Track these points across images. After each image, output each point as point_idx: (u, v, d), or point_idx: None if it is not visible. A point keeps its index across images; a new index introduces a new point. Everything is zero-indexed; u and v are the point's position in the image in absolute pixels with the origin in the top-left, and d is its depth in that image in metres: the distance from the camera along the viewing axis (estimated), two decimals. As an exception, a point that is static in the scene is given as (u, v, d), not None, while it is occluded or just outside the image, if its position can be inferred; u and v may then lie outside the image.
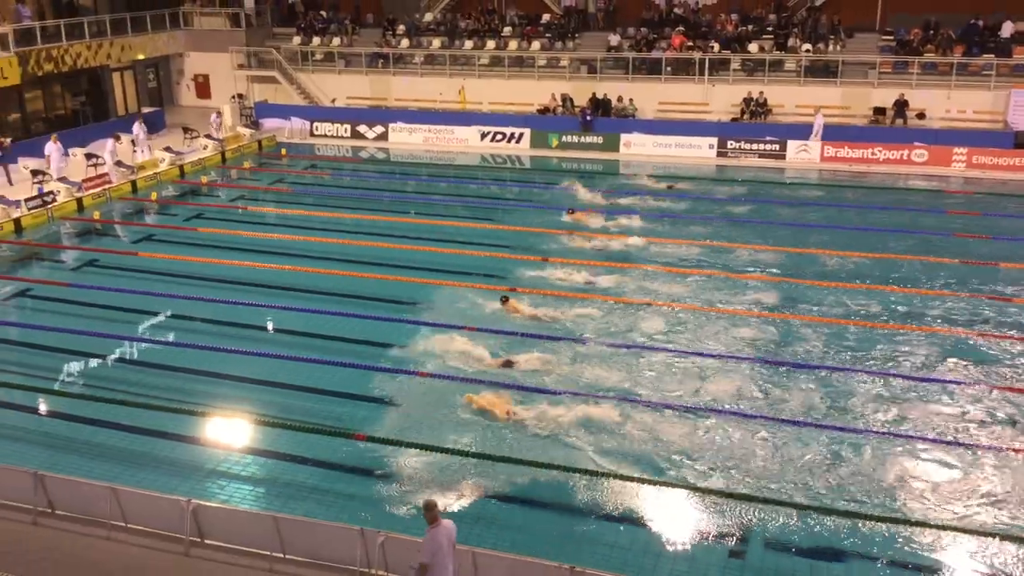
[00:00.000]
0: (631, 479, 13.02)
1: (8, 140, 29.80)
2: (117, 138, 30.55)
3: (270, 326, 19.04)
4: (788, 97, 33.84)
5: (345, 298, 19.80)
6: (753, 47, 35.40)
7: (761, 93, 33.68)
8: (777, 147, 32.07)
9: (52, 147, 28.46)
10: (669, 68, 35.42)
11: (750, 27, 36.44)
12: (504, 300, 18.71)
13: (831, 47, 34.73)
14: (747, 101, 33.74)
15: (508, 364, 16.27)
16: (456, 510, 12.33)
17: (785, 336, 17.65)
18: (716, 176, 31.02)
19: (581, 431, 14.21)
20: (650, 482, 12.99)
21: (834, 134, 32.10)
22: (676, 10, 38.00)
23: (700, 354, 16.82)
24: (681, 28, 36.66)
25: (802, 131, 32.12)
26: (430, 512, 9.58)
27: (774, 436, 14.09)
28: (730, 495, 12.64)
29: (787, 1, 37.49)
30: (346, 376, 16.16)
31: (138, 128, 32.04)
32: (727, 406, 15.01)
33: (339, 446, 14.05)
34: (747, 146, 32.40)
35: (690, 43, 35.85)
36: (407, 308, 19.19)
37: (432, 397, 15.33)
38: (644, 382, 15.80)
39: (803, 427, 14.33)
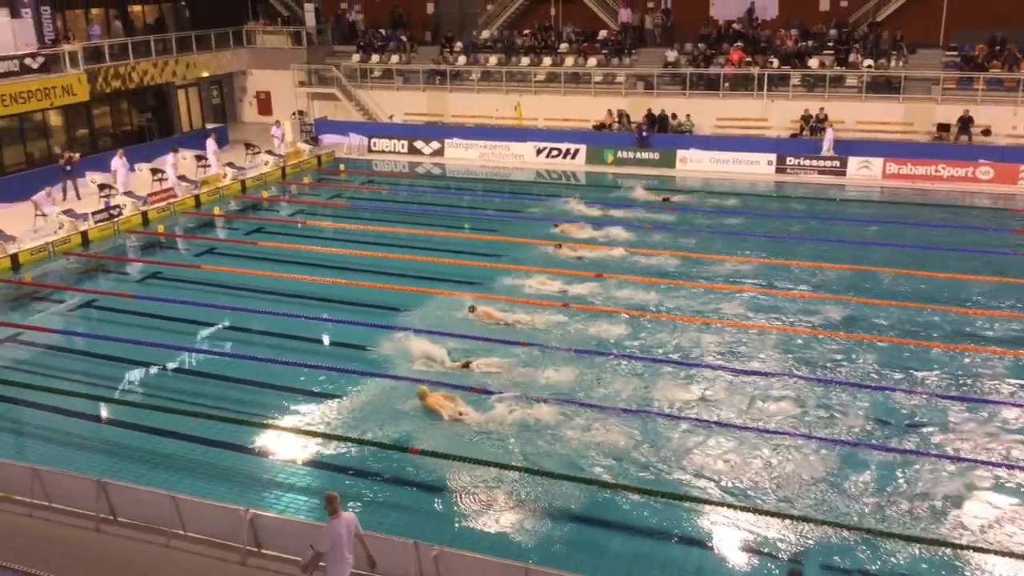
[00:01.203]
0: (690, 499, 12.91)
1: (76, 155, 30.67)
2: (176, 151, 31.23)
3: (326, 339, 19.27)
4: (849, 113, 33.37)
5: (400, 311, 19.93)
6: (813, 62, 35.00)
7: (821, 109, 33.24)
8: (837, 163, 31.62)
9: (118, 162, 29.23)
10: (727, 84, 35.20)
11: (810, 43, 36.05)
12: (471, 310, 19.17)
13: (893, 63, 34.19)
14: (806, 118, 33.33)
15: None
16: (512, 525, 12.34)
17: (842, 354, 17.34)
18: (773, 192, 30.80)
19: (635, 447, 14.14)
20: (709, 502, 12.86)
21: (896, 151, 31.60)
22: (735, 26, 37.77)
23: (750, 372, 16.63)
24: (739, 44, 36.42)
25: (864, 148, 31.69)
26: (331, 504, 10.05)
27: (828, 456, 13.86)
28: (783, 516, 12.43)
29: (848, 16, 37.03)
30: (399, 389, 16.25)
31: (211, 144, 32.76)
32: (778, 425, 14.80)
33: (393, 459, 14.11)
34: (807, 162, 32.00)
35: (749, 59, 35.58)
36: (460, 323, 19.24)
37: (486, 413, 15.33)
38: (693, 400, 15.67)
39: (859, 448, 14.05)
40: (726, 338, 18.15)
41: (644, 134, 34.18)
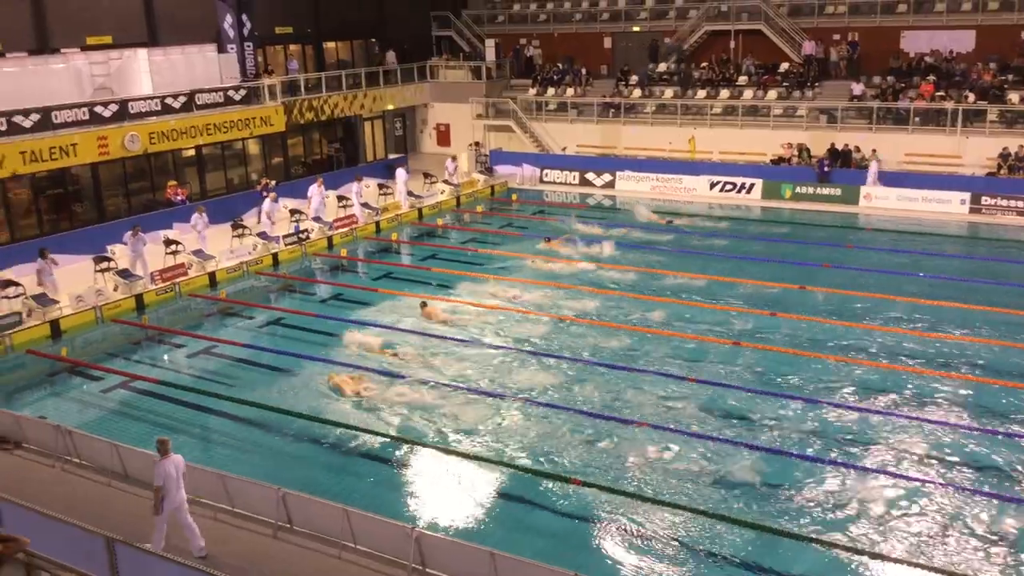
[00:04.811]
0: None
1: (273, 182, 32.62)
2: (360, 179, 32.60)
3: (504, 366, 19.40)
4: (1053, 151, 31.08)
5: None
6: (1013, 97, 32.84)
7: (1021, 147, 31.09)
8: (1038, 204, 29.47)
9: (314, 189, 30.74)
10: (917, 118, 33.53)
11: (1010, 76, 33.86)
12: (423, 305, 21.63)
13: (1107, 97, 31.64)
14: (1004, 155, 31.25)
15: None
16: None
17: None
18: (967, 233, 29.14)
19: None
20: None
21: (1108, 192, 29.18)
22: (927, 58, 36.00)
23: (880, 413, 16.07)
24: (932, 77, 34.66)
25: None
26: (162, 446, 12.02)
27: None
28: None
29: (1055, 48, 34.61)
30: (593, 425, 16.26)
31: (402, 173, 34.03)
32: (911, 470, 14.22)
33: (557, 489, 14.15)
34: (1004, 203, 29.96)
35: (941, 92, 33.80)
36: (624, 355, 19.10)
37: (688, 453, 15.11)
38: (794, 434, 15.08)
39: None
40: (872, 379, 17.38)
41: (826, 169, 33.02)
